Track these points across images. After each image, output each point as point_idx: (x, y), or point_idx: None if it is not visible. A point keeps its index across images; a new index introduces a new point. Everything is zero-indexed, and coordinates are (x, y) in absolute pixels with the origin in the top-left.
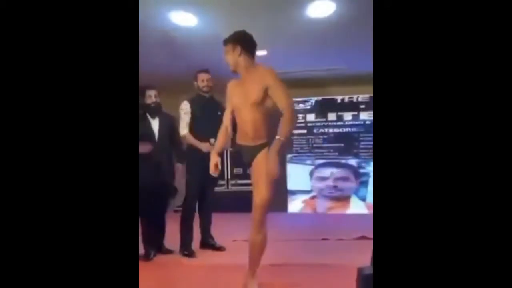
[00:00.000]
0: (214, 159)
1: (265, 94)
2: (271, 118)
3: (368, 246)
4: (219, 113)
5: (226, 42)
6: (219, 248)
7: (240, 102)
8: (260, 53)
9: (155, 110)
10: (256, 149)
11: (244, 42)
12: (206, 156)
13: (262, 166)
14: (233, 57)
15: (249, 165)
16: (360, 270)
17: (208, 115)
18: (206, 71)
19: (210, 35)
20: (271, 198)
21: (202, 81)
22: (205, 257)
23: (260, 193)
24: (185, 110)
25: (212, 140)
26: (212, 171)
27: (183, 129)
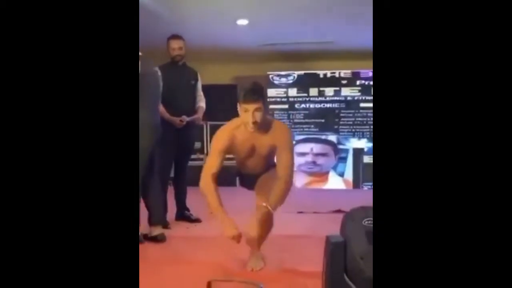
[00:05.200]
0: (227, 228)
1: (274, 150)
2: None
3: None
4: (192, 82)
5: (253, 98)
6: (195, 220)
7: (247, 153)
8: (240, 22)
9: None
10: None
11: (265, 97)
12: (178, 128)
13: (267, 183)
14: (260, 114)
15: (252, 188)
16: (328, 238)
17: (180, 83)
18: (178, 37)
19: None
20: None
21: (174, 48)
22: (181, 229)
23: (271, 203)
24: None
25: (183, 117)
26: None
27: None
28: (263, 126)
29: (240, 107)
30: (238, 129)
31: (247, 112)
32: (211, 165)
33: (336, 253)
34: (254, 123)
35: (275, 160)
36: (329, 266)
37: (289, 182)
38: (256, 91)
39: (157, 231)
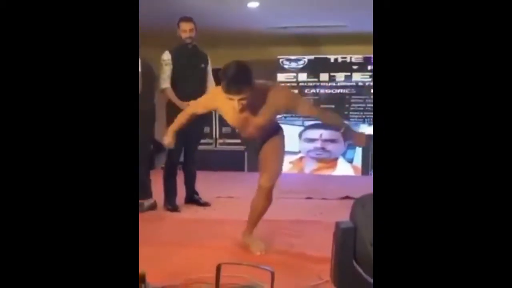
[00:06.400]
0: (168, 135)
1: (276, 114)
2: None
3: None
4: (202, 65)
5: (236, 88)
6: (204, 204)
7: (239, 125)
8: (251, 4)
9: None
10: (264, 142)
11: (251, 83)
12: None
13: (273, 150)
14: (247, 101)
15: (256, 154)
16: (338, 224)
17: (190, 67)
18: (189, 19)
19: None
20: (281, 168)
21: (184, 31)
22: (189, 212)
23: (270, 171)
24: (166, 61)
25: (191, 102)
26: (165, 144)
27: (164, 82)
28: (258, 97)
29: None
30: (220, 91)
31: (232, 100)
32: (194, 109)
33: (346, 239)
34: (241, 110)
35: (275, 127)
36: (338, 251)
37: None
38: (240, 80)
39: (149, 201)
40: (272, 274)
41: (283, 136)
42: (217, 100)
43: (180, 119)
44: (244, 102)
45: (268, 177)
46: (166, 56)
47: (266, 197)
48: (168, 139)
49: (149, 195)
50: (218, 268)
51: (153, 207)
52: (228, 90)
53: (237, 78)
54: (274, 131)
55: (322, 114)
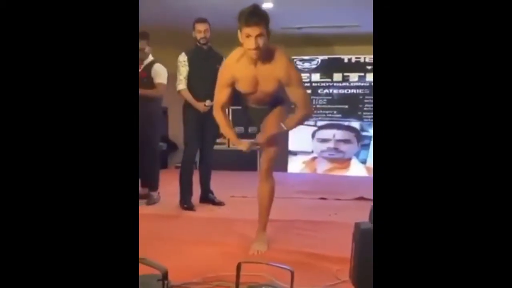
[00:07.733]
0: (240, 145)
1: (281, 84)
2: None
3: (366, 205)
4: (217, 66)
5: (255, 20)
6: (219, 203)
7: (250, 88)
8: (266, 5)
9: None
10: (266, 110)
11: (267, 20)
12: (203, 113)
13: (272, 121)
14: (263, 40)
15: (258, 123)
16: (357, 225)
17: (206, 68)
18: (203, 20)
19: None
20: (278, 150)
21: (199, 31)
22: (205, 211)
23: (269, 145)
24: (183, 63)
25: (207, 102)
26: (247, 149)
27: (180, 84)
28: (266, 55)
29: (241, 33)
30: (239, 62)
31: (249, 38)
32: (219, 99)
33: (365, 240)
34: (257, 48)
35: (282, 97)
36: (358, 252)
37: (308, 110)
38: (258, 14)
39: (155, 193)
40: (292, 273)
41: (286, 108)
42: (230, 69)
43: (222, 121)
44: (261, 39)
45: (265, 156)
46: (183, 57)
47: (266, 181)
48: (240, 144)
49: (156, 187)
50: (238, 267)
51: (158, 199)
52: (248, 21)
53: (256, 11)
54: (278, 102)
55: (301, 112)
